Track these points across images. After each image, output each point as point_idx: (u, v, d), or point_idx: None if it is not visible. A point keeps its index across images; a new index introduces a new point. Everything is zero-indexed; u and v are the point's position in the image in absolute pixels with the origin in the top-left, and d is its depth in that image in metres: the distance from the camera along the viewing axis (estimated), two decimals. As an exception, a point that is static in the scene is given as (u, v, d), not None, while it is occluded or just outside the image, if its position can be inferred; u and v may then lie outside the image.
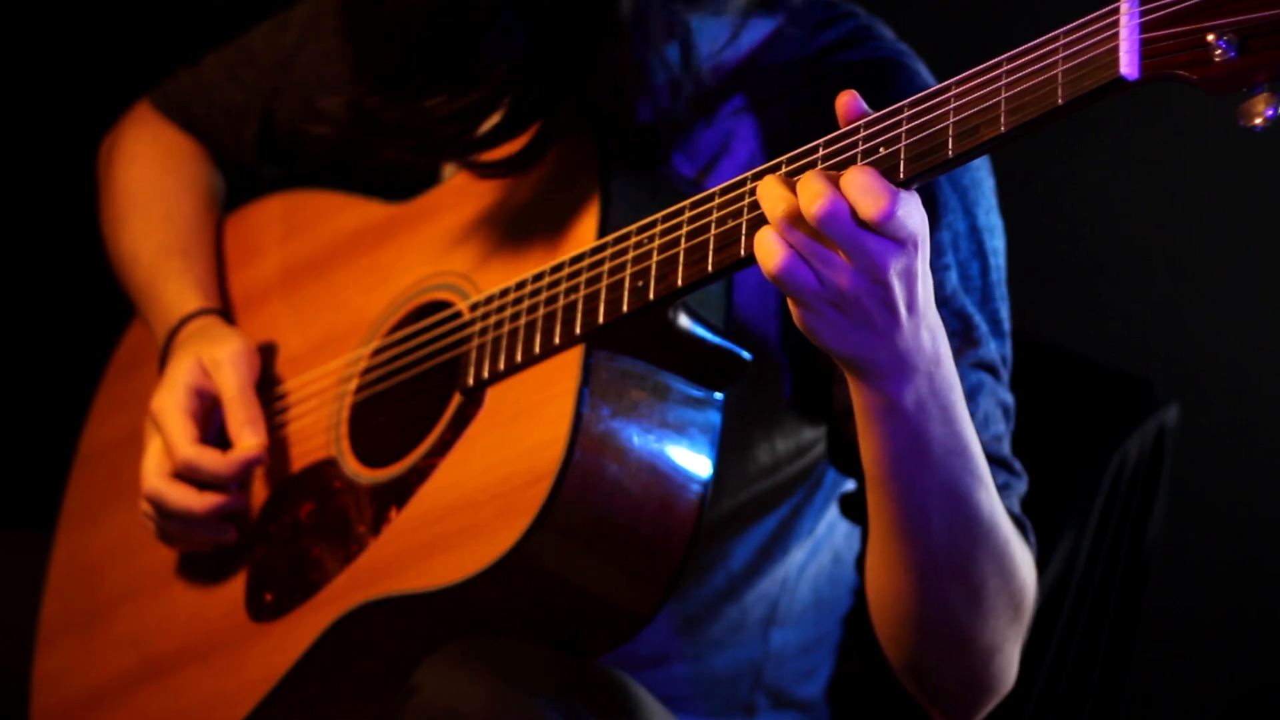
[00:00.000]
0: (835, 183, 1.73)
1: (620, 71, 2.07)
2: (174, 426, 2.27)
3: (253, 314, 2.41)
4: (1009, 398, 2.13)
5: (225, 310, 2.44)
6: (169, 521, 2.28)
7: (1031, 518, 2.08)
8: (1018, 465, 2.11)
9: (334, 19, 2.24)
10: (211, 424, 2.32)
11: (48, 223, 3.44)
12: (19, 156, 3.46)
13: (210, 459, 2.25)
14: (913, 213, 1.73)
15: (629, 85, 2.08)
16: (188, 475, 2.26)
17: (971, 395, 2.05)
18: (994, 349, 2.12)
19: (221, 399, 2.29)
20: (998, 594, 1.97)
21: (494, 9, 2.06)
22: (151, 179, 2.55)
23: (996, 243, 2.16)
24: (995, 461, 2.06)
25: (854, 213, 1.72)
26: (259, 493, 2.32)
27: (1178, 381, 2.84)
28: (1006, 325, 2.15)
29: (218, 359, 2.31)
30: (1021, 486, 2.11)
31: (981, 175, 2.16)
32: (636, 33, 2.06)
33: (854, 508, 2.20)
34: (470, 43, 2.08)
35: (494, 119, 2.13)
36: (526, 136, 2.14)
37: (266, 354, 2.38)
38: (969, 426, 1.88)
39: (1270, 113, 1.58)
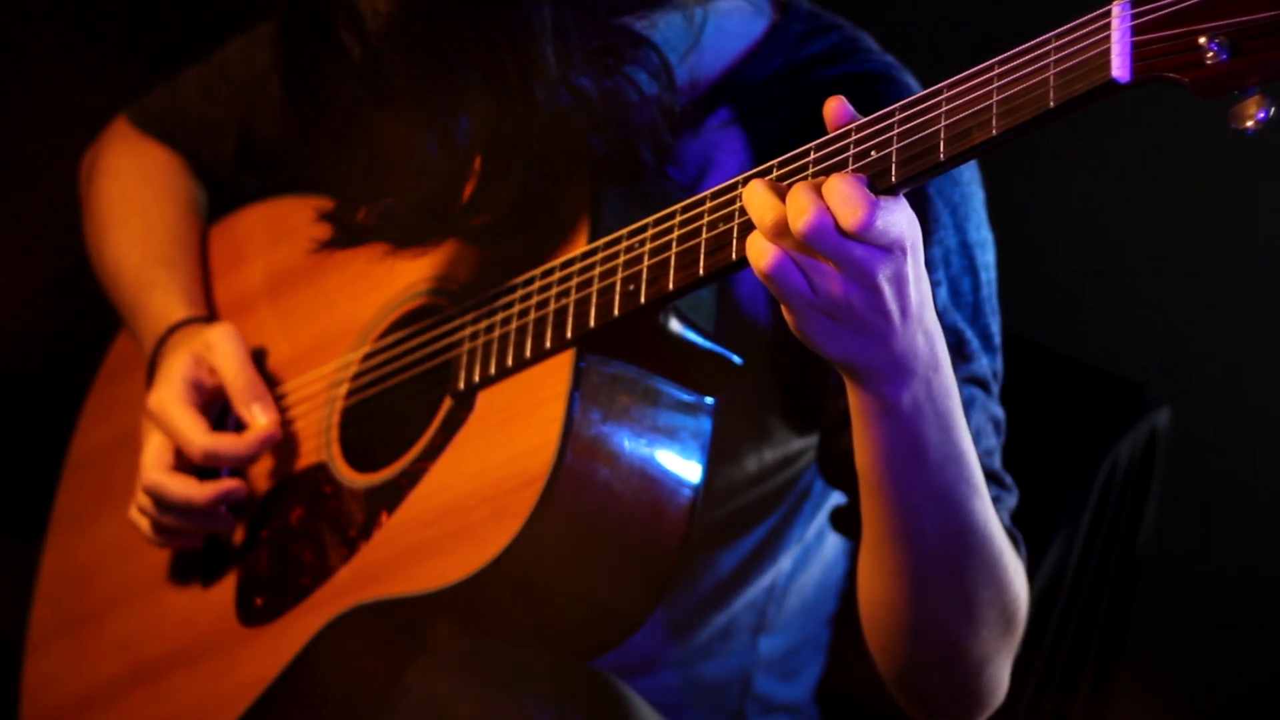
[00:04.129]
0: (821, 193, 1.73)
1: (572, 101, 2.03)
2: (182, 420, 2.26)
3: (241, 321, 2.40)
4: (1000, 412, 2.13)
5: (212, 318, 2.43)
6: (166, 514, 2.28)
7: (1023, 521, 2.08)
8: (1009, 479, 2.11)
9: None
10: (210, 416, 2.31)
11: (34, 234, 3.43)
12: (4, 171, 3.45)
13: (229, 444, 2.25)
14: (898, 219, 1.73)
15: (591, 114, 2.04)
16: (208, 464, 2.26)
17: (963, 410, 2.05)
18: (985, 364, 2.11)
19: (222, 378, 2.29)
20: (989, 605, 1.97)
21: (424, 109, 2.03)
22: (133, 192, 2.55)
23: (987, 257, 2.16)
24: (986, 475, 2.05)
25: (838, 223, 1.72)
26: (250, 496, 2.32)
27: (1169, 384, 2.84)
28: (997, 340, 2.15)
29: (210, 340, 2.31)
30: (1012, 501, 2.10)
31: (972, 189, 2.15)
32: (572, 62, 2.03)
33: (844, 522, 2.19)
34: (414, 140, 2.05)
35: (469, 189, 2.10)
36: (509, 195, 2.10)
37: (256, 360, 2.37)
38: (965, 435, 1.87)
39: (1262, 115, 1.58)
